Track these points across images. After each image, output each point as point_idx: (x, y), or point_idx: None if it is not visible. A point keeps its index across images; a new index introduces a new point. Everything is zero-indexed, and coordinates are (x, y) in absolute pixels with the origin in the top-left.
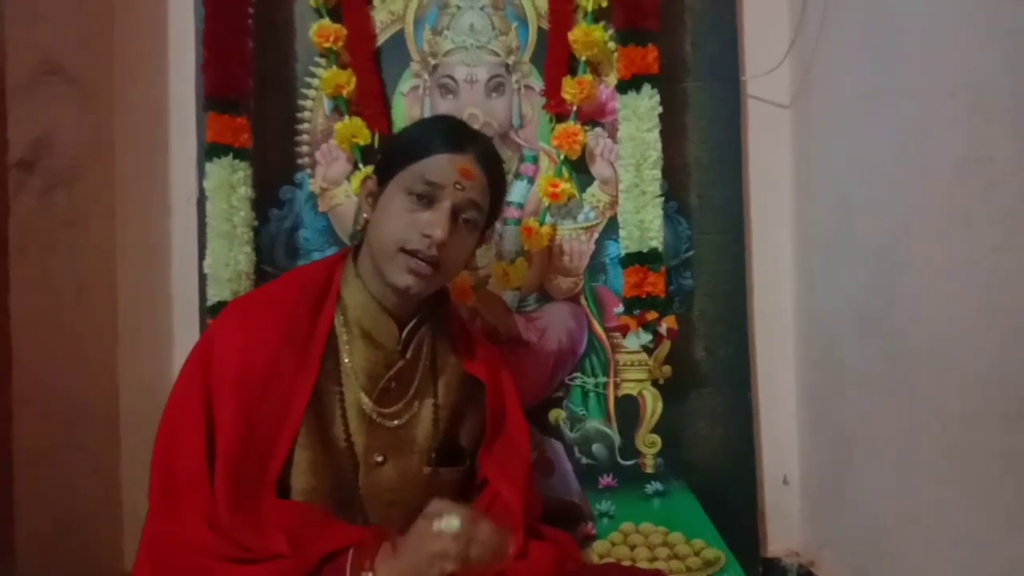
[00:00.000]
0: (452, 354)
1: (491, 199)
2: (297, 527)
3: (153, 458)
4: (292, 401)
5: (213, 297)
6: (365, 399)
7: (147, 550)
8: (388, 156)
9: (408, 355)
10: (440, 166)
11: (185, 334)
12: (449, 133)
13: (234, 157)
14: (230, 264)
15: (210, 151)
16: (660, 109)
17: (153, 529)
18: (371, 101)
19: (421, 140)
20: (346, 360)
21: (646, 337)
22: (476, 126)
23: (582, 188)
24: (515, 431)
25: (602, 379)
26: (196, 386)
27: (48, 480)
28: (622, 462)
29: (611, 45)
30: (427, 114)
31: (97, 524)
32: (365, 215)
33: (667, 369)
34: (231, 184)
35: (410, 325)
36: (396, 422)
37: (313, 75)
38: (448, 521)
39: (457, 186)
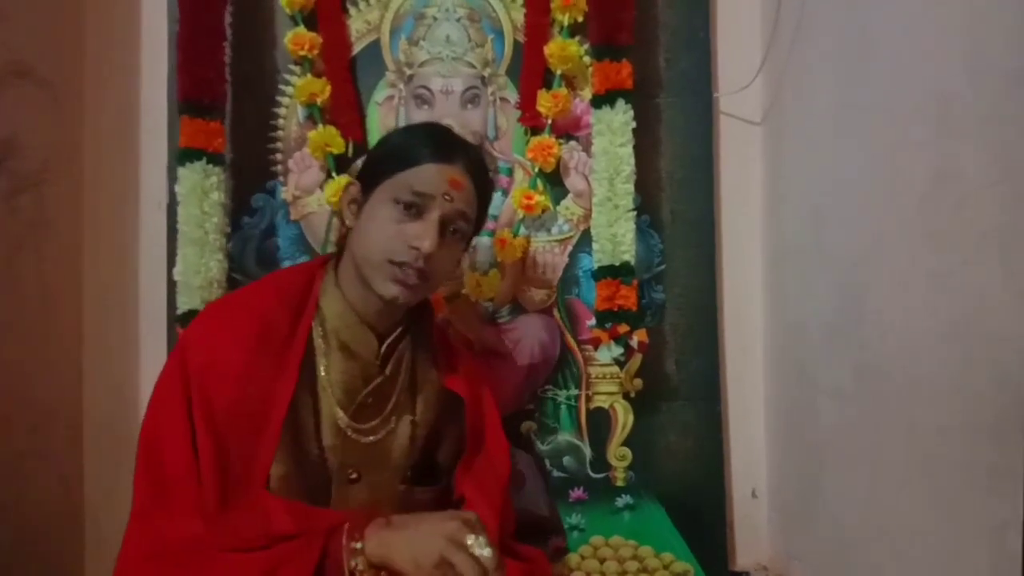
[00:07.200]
0: (432, 369)
1: (477, 209)
2: (299, 510)
3: (139, 451)
4: (270, 412)
5: (183, 305)
6: (340, 414)
7: (137, 543)
8: (374, 163)
9: (387, 371)
10: (429, 176)
11: (152, 342)
12: (438, 142)
13: (207, 161)
14: (201, 271)
15: (183, 155)
16: (634, 124)
17: (142, 523)
18: (345, 110)
19: (409, 149)
20: (322, 372)
21: (618, 350)
22: None
23: (556, 201)
24: (494, 448)
25: (574, 391)
26: (176, 384)
27: (10, 488)
28: (593, 475)
29: (586, 60)
30: (402, 124)
31: (59, 533)
32: (347, 223)
33: (638, 382)
34: (204, 189)
35: (390, 339)
36: (372, 438)
37: (287, 83)
38: (484, 547)
39: (446, 197)
